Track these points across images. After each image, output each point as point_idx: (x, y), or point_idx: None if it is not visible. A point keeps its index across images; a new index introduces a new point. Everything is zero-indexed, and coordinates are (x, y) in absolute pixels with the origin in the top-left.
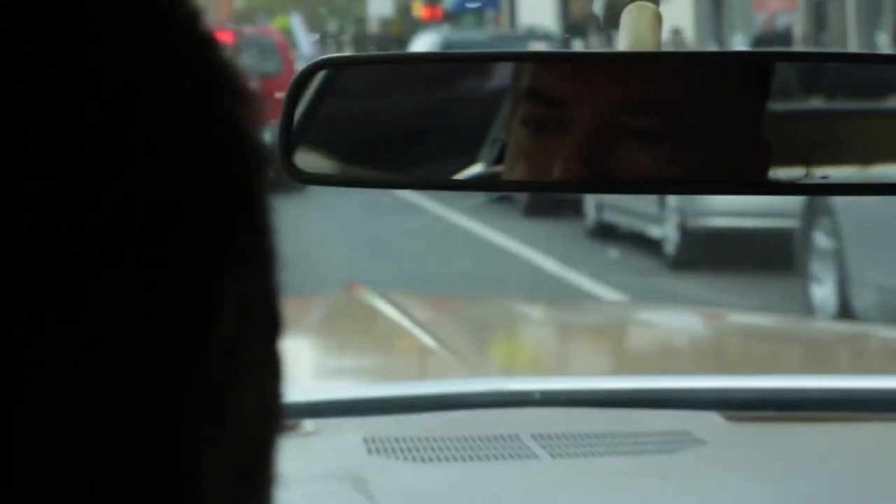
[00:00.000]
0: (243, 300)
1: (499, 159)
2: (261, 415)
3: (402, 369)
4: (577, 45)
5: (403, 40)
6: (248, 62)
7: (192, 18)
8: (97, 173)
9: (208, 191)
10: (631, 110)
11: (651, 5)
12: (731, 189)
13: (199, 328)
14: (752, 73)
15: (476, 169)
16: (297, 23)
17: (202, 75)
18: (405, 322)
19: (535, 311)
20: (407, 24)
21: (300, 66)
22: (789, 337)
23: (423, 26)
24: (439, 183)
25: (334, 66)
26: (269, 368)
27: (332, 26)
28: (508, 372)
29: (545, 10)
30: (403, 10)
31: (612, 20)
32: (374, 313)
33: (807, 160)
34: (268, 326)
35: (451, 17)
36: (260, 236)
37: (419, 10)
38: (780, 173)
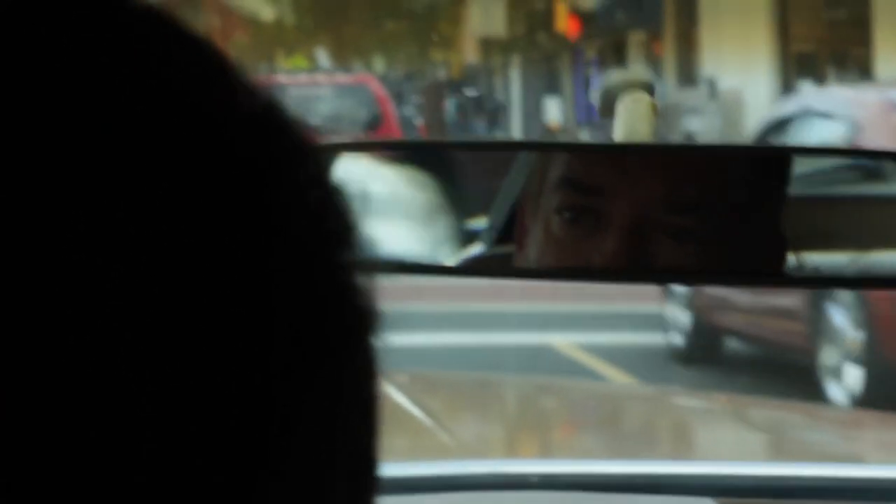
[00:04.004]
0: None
1: (499, 240)
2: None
3: (399, 450)
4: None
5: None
6: (345, 114)
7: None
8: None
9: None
10: (669, 208)
11: (646, 96)
12: (752, 282)
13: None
14: (773, 166)
15: (474, 251)
16: (324, 61)
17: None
18: (403, 402)
19: (537, 392)
20: (536, 45)
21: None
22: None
23: (563, 48)
24: (448, 269)
25: (344, 151)
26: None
27: (379, 65)
28: (507, 454)
29: (756, 43)
30: (541, 21)
31: (606, 109)
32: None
33: (819, 248)
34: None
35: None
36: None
37: (563, 22)
38: (795, 266)
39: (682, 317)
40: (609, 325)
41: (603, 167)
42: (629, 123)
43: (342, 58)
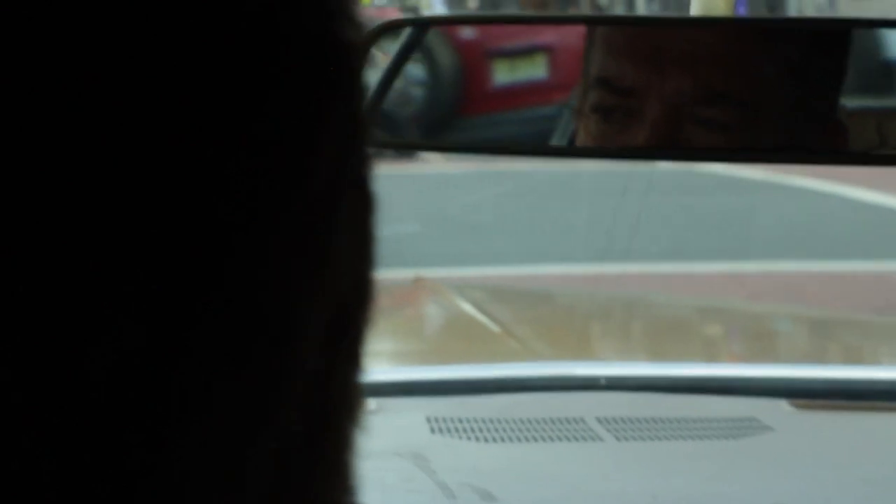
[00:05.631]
0: (340, 159)
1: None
2: (353, 286)
3: (469, 355)
4: None
5: None
6: None
7: None
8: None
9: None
10: (699, 101)
11: None
12: (798, 158)
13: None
14: (827, 44)
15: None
16: None
17: None
18: (474, 311)
19: (603, 302)
20: None
21: None
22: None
23: None
24: (507, 148)
25: (402, 27)
26: (362, 243)
27: None
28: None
29: None
30: None
31: None
32: (442, 302)
33: (883, 140)
34: (363, 201)
35: None
36: (355, 110)
37: None
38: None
39: None
40: None
41: (635, 67)
42: (706, 1)
43: None
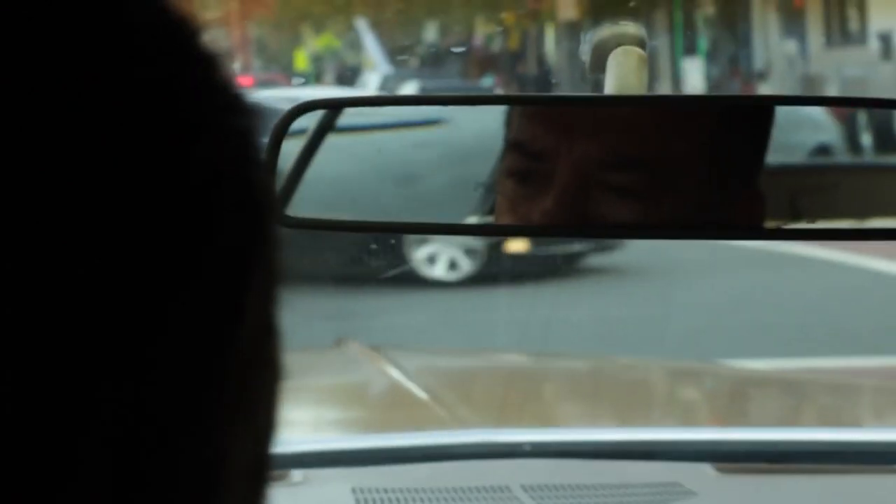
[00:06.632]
0: (261, 320)
1: (492, 209)
2: (253, 463)
3: (392, 421)
4: None
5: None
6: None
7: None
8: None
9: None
10: (608, 166)
11: (637, 49)
12: (711, 234)
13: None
14: (746, 118)
15: (471, 219)
16: (365, 32)
17: (216, 98)
18: (397, 375)
19: (526, 363)
20: None
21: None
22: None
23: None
24: (426, 227)
25: (318, 109)
26: (265, 412)
27: (431, 33)
28: (498, 424)
29: None
30: None
31: (597, 64)
32: (365, 367)
33: (797, 210)
34: (270, 368)
35: None
36: (273, 268)
37: None
38: (771, 223)
39: None
40: None
41: (547, 131)
42: (620, 77)
43: (387, 28)
